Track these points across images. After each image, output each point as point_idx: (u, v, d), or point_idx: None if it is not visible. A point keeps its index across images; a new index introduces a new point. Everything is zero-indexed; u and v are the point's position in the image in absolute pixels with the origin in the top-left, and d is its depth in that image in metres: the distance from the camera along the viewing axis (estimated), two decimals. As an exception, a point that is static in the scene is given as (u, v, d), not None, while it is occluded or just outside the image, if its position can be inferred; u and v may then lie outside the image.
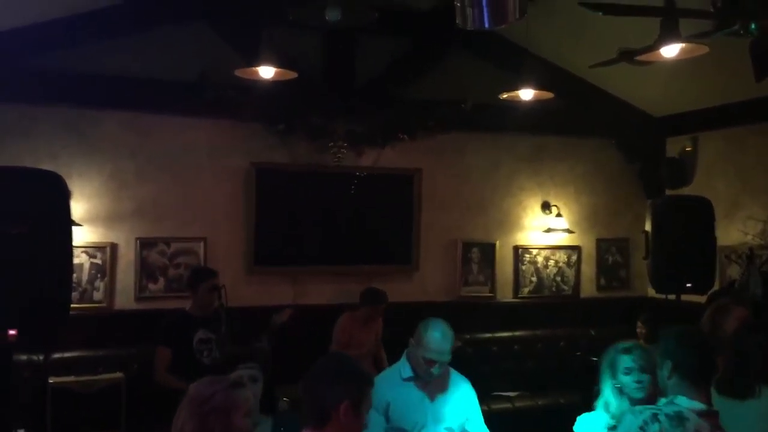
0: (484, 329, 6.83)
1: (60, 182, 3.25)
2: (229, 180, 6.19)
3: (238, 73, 5.00)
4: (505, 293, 7.13)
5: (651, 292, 6.02)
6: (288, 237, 6.36)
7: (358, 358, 3.40)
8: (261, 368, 3.66)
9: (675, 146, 7.21)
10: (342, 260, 6.50)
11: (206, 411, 2.36)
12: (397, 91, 6.50)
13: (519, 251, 7.14)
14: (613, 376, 3.14)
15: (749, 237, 6.14)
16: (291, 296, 6.21)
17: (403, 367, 3.48)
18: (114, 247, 5.88)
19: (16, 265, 3.01)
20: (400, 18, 6.31)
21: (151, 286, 5.97)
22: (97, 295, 5.81)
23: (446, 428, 3.44)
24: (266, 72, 4.91)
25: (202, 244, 6.08)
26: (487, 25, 2.54)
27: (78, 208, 5.55)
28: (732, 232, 6.20)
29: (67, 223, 3.27)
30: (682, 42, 3.94)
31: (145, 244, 5.95)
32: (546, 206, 7.20)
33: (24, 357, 5.24)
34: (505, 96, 5.46)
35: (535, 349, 6.98)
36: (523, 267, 7.17)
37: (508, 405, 6.37)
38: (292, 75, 5.03)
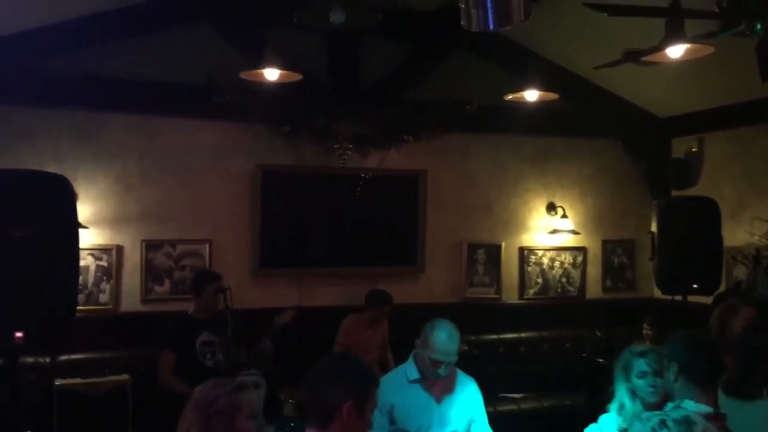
0: (489, 331, 6.82)
1: (66, 185, 3.27)
2: (235, 182, 6.20)
3: (243, 75, 5.01)
4: (510, 295, 7.12)
5: (657, 293, 5.99)
6: (293, 239, 6.36)
7: (363, 361, 3.39)
8: (263, 374, 3.67)
9: (681, 147, 7.19)
10: (347, 262, 6.50)
11: (210, 414, 2.38)
12: (401, 92, 6.51)
13: (524, 252, 7.13)
14: (627, 379, 3.14)
15: (755, 238, 6.12)
16: (296, 298, 6.21)
17: (409, 369, 3.47)
18: (120, 249, 5.90)
19: (23, 267, 3.02)
20: (404, 20, 6.31)
21: (156, 288, 5.99)
22: (103, 298, 5.83)
23: (452, 431, 3.43)
24: (271, 74, 4.92)
25: (207, 246, 6.09)
26: (491, 27, 2.55)
27: (84, 210, 5.57)
28: (738, 233, 6.18)
29: (73, 226, 3.28)
30: (688, 42, 3.93)
31: (150, 247, 5.97)
32: (551, 207, 7.19)
33: (30, 359, 5.27)
34: (510, 97, 5.46)
35: (540, 350, 6.97)
36: (529, 268, 7.16)
37: (513, 406, 6.36)
38: (296, 77, 5.04)
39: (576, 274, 7.32)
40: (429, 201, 6.74)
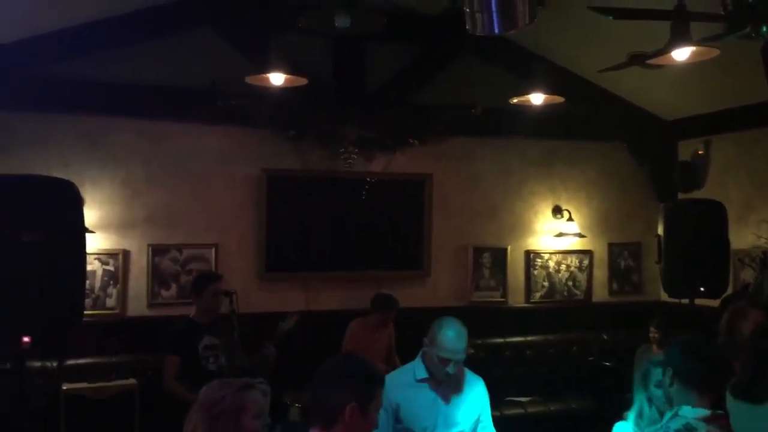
0: (496, 334, 6.80)
1: (73, 190, 3.28)
2: (240, 186, 6.22)
3: (249, 80, 5.02)
4: (516, 298, 7.11)
5: (664, 296, 5.99)
6: (299, 243, 6.37)
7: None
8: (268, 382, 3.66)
9: (687, 149, 7.17)
10: (353, 266, 6.50)
11: (216, 414, 2.37)
12: (406, 96, 6.51)
13: (530, 256, 7.12)
14: (646, 387, 3.14)
15: (762, 240, 6.09)
16: (302, 302, 6.22)
17: (417, 368, 3.44)
18: (126, 253, 5.91)
19: (30, 272, 3.04)
20: (409, 24, 6.32)
21: (163, 292, 6.00)
22: (110, 302, 5.84)
23: (459, 431, 3.42)
24: (276, 78, 4.93)
25: (213, 250, 6.10)
26: (497, 31, 2.54)
27: (90, 215, 5.57)
28: (745, 236, 6.16)
29: (80, 231, 3.30)
30: (693, 45, 3.92)
31: (157, 251, 5.98)
32: (557, 210, 7.18)
33: (37, 363, 5.27)
34: (515, 100, 5.46)
35: (547, 354, 6.95)
36: (535, 272, 7.15)
37: (520, 410, 6.35)
38: (302, 81, 5.04)
39: (582, 277, 7.30)
40: (434, 205, 6.74)
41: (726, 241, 4.77)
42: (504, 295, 7.03)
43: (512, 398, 6.45)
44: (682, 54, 4.00)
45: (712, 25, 3.73)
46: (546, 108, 5.58)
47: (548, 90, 5.28)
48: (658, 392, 3.09)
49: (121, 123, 5.91)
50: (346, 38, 5.90)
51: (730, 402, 2.92)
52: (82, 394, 5.25)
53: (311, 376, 2.42)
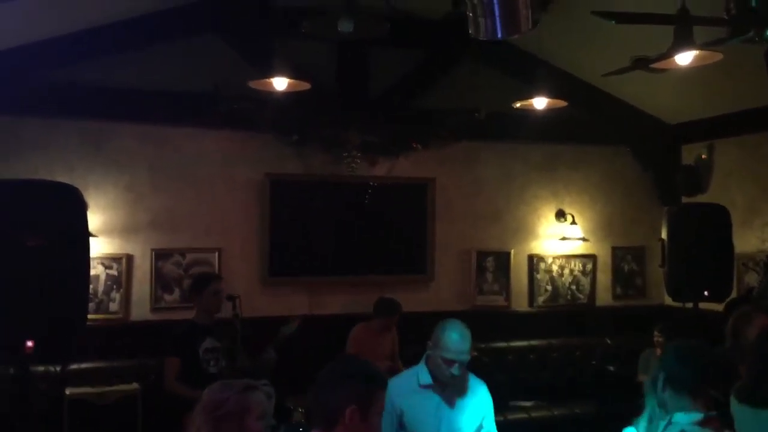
0: (499, 338, 6.80)
1: (77, 195, 3.28)
2: (244, 191, 6.22)
3: (252, 84, 5.03)
4: (520, 302, 7.10)
5: (668, 300, 5.97)
6: (302, 247, 6.37)
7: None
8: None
9: (690, 153, 7.16)
10: (356, 270, 6.50)
11: (219, 416, 2.36)
12: (410, 100, 6.52)
13: (534, 260, 7.11)
14: (655, 393, 3.13)
15: (767, 244, 6.08)
16: (305, 306, 6.21)
17: (421, 373, 3.42)
18: (130, 258, 5.92)
19: (34, 277, 3.04)
20: (412, 28, 6.32)
21: (166, 297, 6.00)
22: (113, 306, 5.85)
23: (462, 436, 3.41)
24: (279, 83, 4.93)
25: (216, 254, 6.11)
26: (500, 35, 2.55)
27: (94, 219, 5.58)
28: (749, 240, 6.15)
29: (84, 236, 3.30)
30: (696, 49, 3.92)
31: (160, 255, 5.99)
32: (560, 214, 7.17)
33: (41, 368, 5.27)
34: (518, 105, 5.46)
35: (550, 358, 6.94)
36: (538, 276, 7.14)
37: (524, 415, 6.32)
38: (305, 86, 5.05)
39: (586, 281, 7.29)
40: (438, 209, 6.74)
41: (730, 245, 4.76)
42: (507, 299, 7.02)
43: (516, 403, 6.42)
44: (685, 58, 3.99)
45: (716, 29, 3.73)
46: (549, 112, 5.58)
47: (551, 94, 5.27)
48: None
49: (124, 128, 5.92)
50: (350, 43, 5.91)
51: (735, 406, 2.91)
52: (85, 398, 5.24)
53: (314, 379, 2.42)
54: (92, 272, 5.29)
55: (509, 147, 7.02)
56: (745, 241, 6.03)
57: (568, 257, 7.21)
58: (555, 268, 7.18)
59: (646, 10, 3.80)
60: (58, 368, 5.43)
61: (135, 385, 5.44)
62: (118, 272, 5.85)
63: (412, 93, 6.54)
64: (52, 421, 5.14)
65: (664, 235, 4.76)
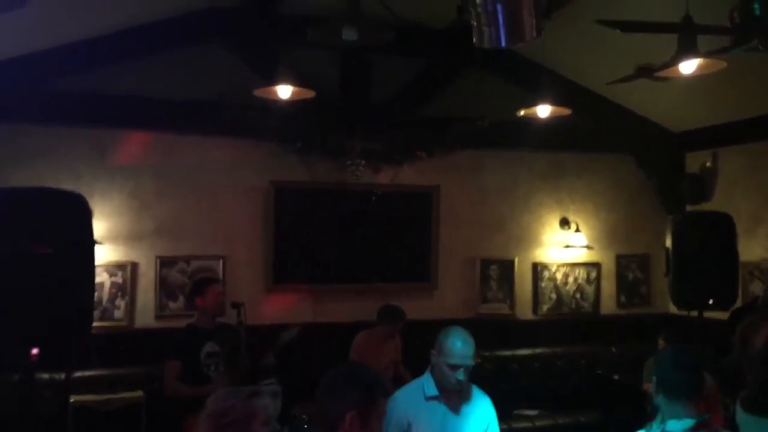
0: (503, 347, 6.78)
1: (83, 203, 3.29)
2: (249, 198, 6.24)
3: (257, 92, 5.04)
4: (524, 310, 7.09)
5: (672, 308, 5.96)
6: (306, 255, 6.37)
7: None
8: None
9: (694, 161, 7.16)
10: (360, 278, 6.51)
11: (225, 424, 2.36)
12: (414, 108, 6.53)
13: (538, 268, 7.10)
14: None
15: (772, 252, 6.07)
16: (309, 314, 6.22)
17: (427, 384, 3.43)
18: (134, 265, 5.93)
19: (40, 284, 3.04)
20: (416, 37, 6.33)
21: (171, 304, 6.01)
22: (118, 314, 5.86)
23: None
24: (284, 91, 4.94)
25: (221, 262, 6.12)
26: (503, 44, 2.55)
27: (99, 227, 5.60)
28: (754, 248, 6.13)
29: (89, 244, 3.31)
30: (700, 58, 3.93)
31: (165, 263, 6.00)
32: (565, 222, 7.17)
33: (45, 375, 5.28)
34: (522, 113, 5.46)
35: (555, 366, 6.91)
36: (543, 284, 7.13)
37: (528, 424, 6.29)
38: (309, 94, 5.06)
39: (590, 289, 7.27)
40: (442, 217, 6.74)
41: (734, 254, 4.74)
42: (511, 307, 7.01)
43: (520, 411, 6.40)
44: (689, 66, 4.00)
45: (719, 37, 3.74)
46: (553, 120, 5.57)
47: (555, 102, 5.28)
48: None
49: (130, 135, 5.94)
50: (354, 51, 5.94)
51: (741, 416, 2.89)
52: (89, 405, 5.25)
53: (318, 387, 2.42)
54: (97, 280, 5.29)
55: (513, 155, 7.03)
56: (750, 250, 6.01)
57: (573, 265, 7.20)
58: (559, 276, 7.17)
59: (650, 18, 3.81)
60: (62, 375, 5.43)
61: (139, 393, 5.44)
62: (123, 280, 5.86)
63: (416, 101, 6.56)
64: (57, 428, 5.15)
65: (668, 243, 4.75)
